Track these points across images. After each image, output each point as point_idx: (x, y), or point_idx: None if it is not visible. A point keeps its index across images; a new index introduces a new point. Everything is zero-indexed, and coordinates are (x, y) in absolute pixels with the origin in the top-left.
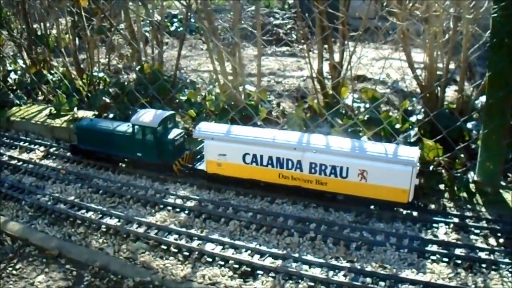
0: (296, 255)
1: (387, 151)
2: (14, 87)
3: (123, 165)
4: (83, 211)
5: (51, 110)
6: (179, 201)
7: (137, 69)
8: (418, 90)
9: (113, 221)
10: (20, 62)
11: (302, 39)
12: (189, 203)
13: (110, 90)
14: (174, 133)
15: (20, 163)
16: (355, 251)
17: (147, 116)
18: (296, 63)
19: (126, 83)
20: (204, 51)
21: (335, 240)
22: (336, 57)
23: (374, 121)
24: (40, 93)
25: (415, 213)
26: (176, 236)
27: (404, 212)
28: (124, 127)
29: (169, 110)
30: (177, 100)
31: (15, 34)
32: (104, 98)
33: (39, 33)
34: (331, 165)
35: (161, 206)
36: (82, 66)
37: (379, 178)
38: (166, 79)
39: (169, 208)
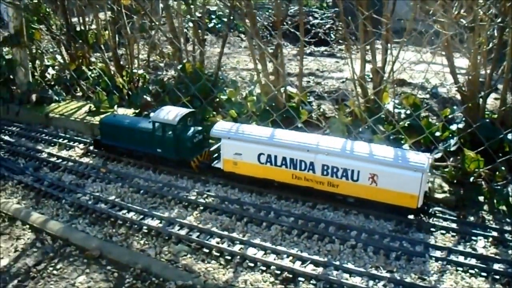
0: (337, 262)
1: (398, 156)
2: (53, 83)
3: (163, 166)
4: (124, 211)
5: (90, 107)
6: (220, 204)
7: (178, 67)
8: (458, 96)
9: (154, 222)
10: (59, 57)
11: (344, 40)
12: (231, 206)
13: (150, 87)
14: (193, 131)
15: (60, 160)
16: (394, 261)
17: (168, 113)
18: (335, 64)
19: (166, 81)
20: (243, 49)
21: (375, 249)
22: (376, 58)
23: (414, 128)
24: (78, 89)
25: (454, 225)
26: (218, 239)
27: (444, 223)
28: (145, 124)
29: (205, 108)
30: (217, 99)
31: (54, 30)
32: (145, 96)
33: (78, 28)
34: (343, 168)
35: (202, 208)
36: (121, 62)
37: (389, 183)
38: (207, 78)
39: (211, 210)
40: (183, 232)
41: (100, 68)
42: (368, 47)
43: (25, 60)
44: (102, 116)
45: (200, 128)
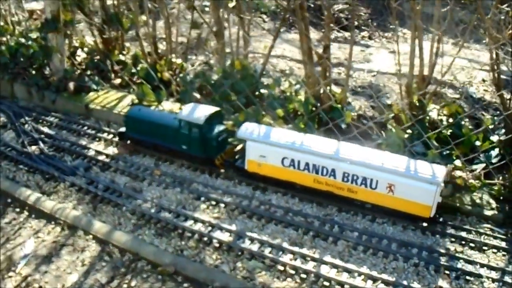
0: (405, 282)
1: (415, 168)
2: (84, 67)
3: (220, 170)
4: (191, 222)
5: (133, 99)
6: (285, 215)
7: (227, 63)
8: (486, 96)
9: (224, 236)
10: (88, 39)
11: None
12: (295, 218)
13: (196, 81)
14: (218, 130)
15: (109, 159)
16: (454, 280)
17: (194, 112)
18: (361, 53)
19: (209, 75)
20: (266, 32)
21: (436, 267)
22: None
23: (456, 136)
24: (113, 75)
25: (503, 244)
26: (290, 255)
27: (494, 241)
28: (170, 120)
29: (257, 110)
30: (257, 93)
31: (88, 12)
32: (194, 94)
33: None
34: (363, 176)
35: (267, 219)
36: (159, 51)
37: (406, 193)
38: (253, 74)
39: (276, 222)
40: (254, 247)
41: (135, 54)
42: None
43: (62, 46)
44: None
45: (224, 126)
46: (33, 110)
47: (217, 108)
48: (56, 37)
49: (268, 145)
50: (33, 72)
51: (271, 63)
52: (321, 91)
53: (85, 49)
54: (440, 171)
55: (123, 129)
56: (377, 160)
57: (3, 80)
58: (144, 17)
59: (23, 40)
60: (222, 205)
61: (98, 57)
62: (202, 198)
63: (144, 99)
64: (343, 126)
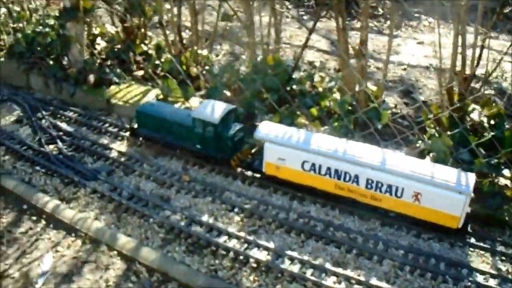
0: None
1: (444, 176)
2: (104, 57)
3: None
4: (224, 237)
5: (157, 95)
6: (325, 230)
7: (258, 59)
8: None
9: (261, 254)
10: (108, 27)
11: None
12: (337, 234)
13: (224, 75)
14: (234, 129)
15: (133, 161)
16: None
17: (209, 110)
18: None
19: (237, 69)
20: (290, 20)
21: None
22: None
23: (498, 140)
24: (135, 66)
25: None
26: (334, 278)
27: None
28: (184, 117)
29: (293, 111)
30: (288, 89)
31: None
32: (224, 91)
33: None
34: (388, 184)
35: (307, 235)
36: (184, 42)
37: (432, 202)
38: (285, 69)
39: (317, 238)
40: (295, 268)
41: (157, 43)
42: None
43: (81, 36)
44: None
45: (241, 125)
46: (50, 103)
47: (233, 106)
48: (76, 26)
49: (287, 147)
50: (51, 62)
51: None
52: (357, 88)
53: (105, 37)
54: (470, 179)
55: (135, 125)
56: (403, 167)
57: (18, 70)
58: (167, 5)
59: (40, 28)
60: (258, 217)
61: (118, 46)
62: (236, 209)
63: (170, 94)
64: (379, 126)
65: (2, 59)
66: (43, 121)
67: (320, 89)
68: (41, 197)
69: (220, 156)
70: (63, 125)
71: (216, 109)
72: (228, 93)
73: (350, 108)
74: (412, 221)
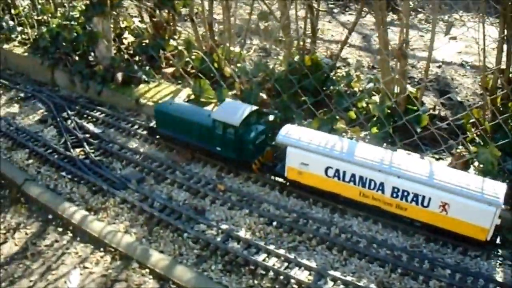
0: None
1: (473, 186)
2: (131, 51)
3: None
4: (263, 255)
5: (189, 95)
6: (369, 247)
7: (296, 58)
8: None
9: (303, 275)
10: (135, 21)
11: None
12: (381, 251)
13: (258, 74)
14: (255, 131)
15: (164, 168)
16: None
17: (229, 111)
18: (420, 38)
19: (273, 68)
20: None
21: None
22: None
23: None
24: (164, 63)
25: None
26: None
27: None
28: (204, 117)
29: (333, 117)
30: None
31: None
32: (261, 94)
33: None
34: (414, 193)
35: (349, 252)
36: (216, 38)
37: (460, 213)
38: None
39: (360, 256)
40: None
41: (187, 39)
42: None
43: (108, 32)
44: (159, 102)
45: (263, 127)
46: (76, 101)
47: (255, 107)
48: (103, 21)
49: (311, 152)
50: (76, 58)
51: (329, 49)
52: (396, 90)
53: (132, 32)
54: (500, 190)
55: (153, 124)
56: (431, 175)
57: (42, 65)
58: None
59: (65, 22)
60: (298, 232)
61: (146, 41)
62: (275, 223)
63: (202, 95)
64: (419, 130)
65: (26, 53)
66: (69, 121)
67: (356, 89)
68: (68, 206)
69: (241, 159)
70: (90, 126)
71: (237, 111)
72: (264, 96)
73: (389, 111)
74: (438, 231)
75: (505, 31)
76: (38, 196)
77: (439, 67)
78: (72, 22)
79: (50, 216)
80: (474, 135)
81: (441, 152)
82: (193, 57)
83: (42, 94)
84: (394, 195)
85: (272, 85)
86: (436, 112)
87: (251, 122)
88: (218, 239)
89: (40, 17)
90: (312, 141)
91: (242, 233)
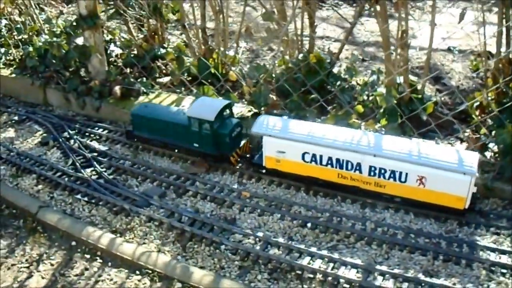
0: None
1: (447, 158)
2: (120, 64)
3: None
4: (307, 258)
5: (192, 103)
6: (407, 238)
7: (299, 56)
8: None
9: (351, 273)
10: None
11: None
12: (420, 240)
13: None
14: (231, 125)
15: (182, 180)
16: None
17: (203, 108)
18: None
19: (272, 70)
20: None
21: None
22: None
23: None
24: (158, 73)
25: None
26: None
27: None
28: (180, 116)
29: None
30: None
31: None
32: (271, 95)
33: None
34: (391, 170)
35: (390, 245)
36: (210, 43)
37: (437, 185)
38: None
39: (400, 248)
40: (389, 283)
41: (177, 46)
42: None
43: (101, 45)
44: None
45: (237, 120)
46: (73, 120)
47: (228, 101)
48: (94, 35)
49: (286, 140)
50: (69, 75)
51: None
52: (399, 81)
53: (118, 43)
54: (474, 159)
55: (130, 128)
56: (405, 151)
57: (33, 85)
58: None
59: (54, 39)
60: (334, 231)
61: (135, 52)
62: (309, 225)
63: None
64: (424, 118)
65: (14, 75)
66: (72, 141)
67: (354, 83)
68: (92, 231)
69: (218, 153)
70: (95, 144)
71: (211, 106)
72: (274, 97)
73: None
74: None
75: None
76: (57, 223)
77: (426, 54)
78: (58, 39)
79: (73, 243)
80: (479, 117)
81: (449, 137)
82: (188, 63)
83: (36, 115)
84: (372, 173)
85: (275, 86)
86: (436, 99)
87: (225, 116)
88: (257, 247)
89: (20, 37)
90: (287, 129)
91: (280, 238)
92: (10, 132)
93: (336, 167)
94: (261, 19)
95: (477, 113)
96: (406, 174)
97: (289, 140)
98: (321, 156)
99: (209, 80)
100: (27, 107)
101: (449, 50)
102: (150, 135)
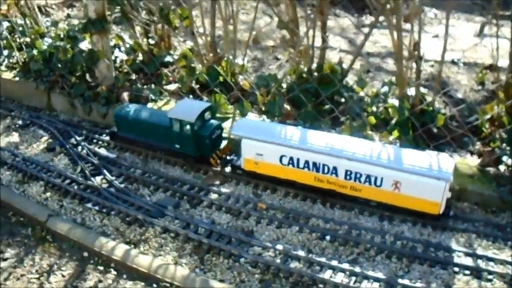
0: None
1: (422, 163)
2: (126, 70)
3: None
4: (329, 272)
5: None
6: (427, 251)
7: (313, 66)
8: None
9: (373, 287)
10: (126, 37)
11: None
12: (439, 254)
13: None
14: (211, 127)
15: (196, 190)
16: None
17: (185, 109)
18: (404, 38)
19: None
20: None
21: None
22: None
23: None
24: (165, 79)
25: None
26: None
27: None
28: (161, 118)
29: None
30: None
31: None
32: (285, 106)
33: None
34: (366, 174)
35: (411, 259)
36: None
37: (412, 190)
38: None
39: (420, 261)
40: None
41: (184, 53)
42: None
43: (108, 50)
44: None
45: (218, 122)
46: (79, 126)
47: (208, 104)
48: (102, 39)
49: (264, 142)
50: (75, 80)
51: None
52: (410, 93)
53: (123, 48)
54: (449, 164)
55: (114, 129)
56: (381, 156)
57: (37, 89)
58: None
59: (60, 43)
60: (354, 244)
61: (141, 58)
62: (328, 237)
63: (218, 111)
64: (435, 130)
65: (17, 78)
66: (79, 147)
67: (362, 94)
68: (105, 241)
69: (198, 154)
70: (103, 151)
71: (192, 108)
72: (288, 107)
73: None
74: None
75: None
76: (68, 232)
77: (432, 66)
78: (63, 43)
79: (85, 254)
80: (490, 130)
81: (459, 150)
82: (198, 71)
83: (41, 120)
84: (348, 177)
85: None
86: (446, 111)
87: (206, 118)
88: (278, 260)
89: (22, 40)
90: (265, 132)
91: (300, 251)
92: (14, 137)
93: (312, 170)
94: (267, 28)
95: (486, 125)
96: (382, 178)
97: (267, 143)
98: (298, 159)
99: (219, 88)
100: (31, 111)
101: (453, 62)
102: (133, 136)
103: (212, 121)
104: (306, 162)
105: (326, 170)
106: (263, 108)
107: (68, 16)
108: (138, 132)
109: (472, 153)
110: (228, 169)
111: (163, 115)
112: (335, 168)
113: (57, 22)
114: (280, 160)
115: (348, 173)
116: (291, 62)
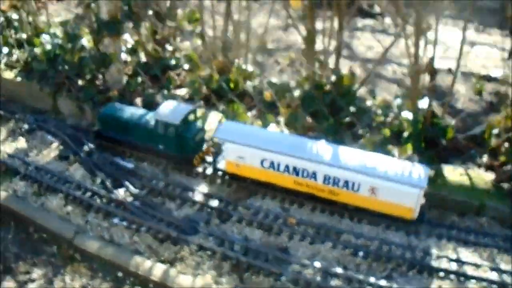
0: None
1: (398, 170)
2: (131, 72)
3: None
4: None
5: (220, 119)
6: (461, 269)
7: (332, 79)
8: None
9: None
10: (128, 38)
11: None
12: (468, 269)
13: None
14: (195, 129)
15: (223, 204)
16: None
17: (169, 112)
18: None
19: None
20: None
21: None
22: None
23: None
24: (178, 81)
25: None
26: None
27: None
28: (146, 119)
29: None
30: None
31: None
32: (307, 118)
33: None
34: (344, 180)
35: (442, 274)
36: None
37: (388, 195)
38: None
39: (451, 277)
40: None
41: (189, 56)
42: None
43: (120, 53)
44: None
45: (201, 125)
46: (89, 131)
47: (193, 107)
48: (115, 42)
49: (246, 146)
50: (85, 83)
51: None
52: (421, 105)
53: (123, 48)
54: (423, 173)
55: (98, 128)
56: (359, 163)
57: (42, 91)
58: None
59: (68, 44)
60: (386, 260)
61: (145, 60)
62: (361, 253)
63: (235, 120)
64: (444, 142)
65: (19, 78)
66: (94, 156)
67: (370, 103)
68: (140, 260)
69: (182, 155)
70: (122, 162)
71: (177, 111)
72: (310, 120)
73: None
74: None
75: None
76: (99, 251)
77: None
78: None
79: (119, 274)
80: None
81: (467, 162)
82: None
83: (48, 124)
84: (326, 182)
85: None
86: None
87: (190, 121)
88: (318, 278)
89: (18, 36)
90: (247, 136)
91: (337, 268)
92: (21, 142)
93: (292, 174)
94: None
95: (493, 139)
96: (359, 184)
97: (249, 147)
98: (278, 163)
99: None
100: (36, 115)
101: (449, 71)
102: (117, 136)
103: (196, 123)
104: (286, 166)
105: (305, 174)
106: (283, 121)
107: (77, 17)
108: (122, 132)
109: (479, 166)
110: (209, 170)
111: (148, 116)
112: (314, 173)
113: (67, 21)
114: (261, 163)
115: (327, 178)
116: (307, 71)
